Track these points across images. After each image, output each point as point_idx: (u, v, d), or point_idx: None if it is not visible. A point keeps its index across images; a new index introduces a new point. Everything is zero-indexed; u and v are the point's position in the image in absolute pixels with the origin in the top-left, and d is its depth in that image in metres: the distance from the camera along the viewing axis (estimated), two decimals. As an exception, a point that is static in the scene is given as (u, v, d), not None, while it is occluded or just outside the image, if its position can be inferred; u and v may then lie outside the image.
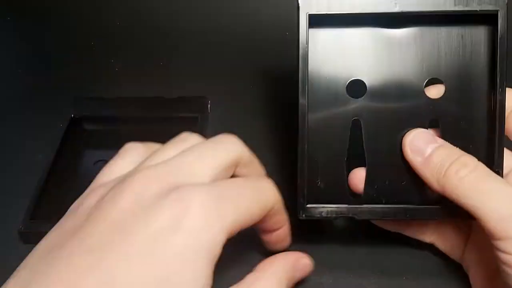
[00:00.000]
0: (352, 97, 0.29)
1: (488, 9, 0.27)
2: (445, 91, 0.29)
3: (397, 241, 0.33)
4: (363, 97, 0.29)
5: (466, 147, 0.28)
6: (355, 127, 0.29)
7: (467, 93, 0.29)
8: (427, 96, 0.29)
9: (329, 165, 0.29)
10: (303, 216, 0.29)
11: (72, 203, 0.35)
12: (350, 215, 0.29)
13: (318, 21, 0.28)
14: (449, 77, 0.29)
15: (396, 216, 0.29)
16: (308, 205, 0.29)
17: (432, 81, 0.29)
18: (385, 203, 0.29)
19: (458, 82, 0.29)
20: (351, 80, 0.29)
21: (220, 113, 0.43)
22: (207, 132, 0.40)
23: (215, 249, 0.22)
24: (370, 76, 0.29)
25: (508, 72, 0.27)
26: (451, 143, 0.28)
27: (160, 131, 0.40)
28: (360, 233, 0.34)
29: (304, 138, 0.28)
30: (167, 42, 0.52)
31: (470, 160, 0.26)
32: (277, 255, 0.28)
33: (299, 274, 0.28)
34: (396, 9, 0.28)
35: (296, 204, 0.29)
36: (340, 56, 0.29)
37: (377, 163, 0.29)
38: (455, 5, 0.27)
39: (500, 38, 0.27)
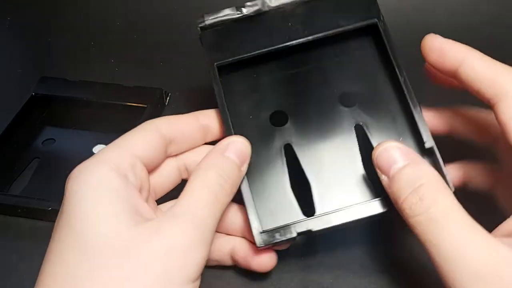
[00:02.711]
0: (277, 126, 0.31)
1: (369, 22, 0.31)
2: (356, 100, 0.31)
3: (397, 241, 0.33)
4: (287, 124, 0.31)
5: (397, 139, 0.30)
6: (289, 151, 0.31)
7: (377, 94, 0.31)
8: (344, 108, 0.31)
9: (274, 191, 0.30)
10: (261, 244, 0.28)
11: (12, 176, 0.37)
12: (306, 230, 0.29)
13: (229, 67, 0.31)
14: (357, 87, 0.32)
15: (350, 218, 0.29)
16: (262, 233, 0.28)
17: (345, 94, 0.32)
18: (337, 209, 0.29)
19: (366, 87, 0.32)
20: (273, 112, 0.31)
21: (179, 106, 0.44)
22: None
23: None
24: (288, 103, 0.31)
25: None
26: (382, 139, 0.29)
27: (109, 117, 0.41)
28: (360, 233, 0.34)
29: (244, 182, 0.29)
30: (148, 34, 0.52)
31: (427, 193, 0.24)
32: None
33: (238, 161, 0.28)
34: (291, 41, 0.31)
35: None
36: (256, 92, 0.32)
37: (320, 179, 0.30)
38: (341, 26, 0.31)
39: (386, 38, 0.31)
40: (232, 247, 0.30)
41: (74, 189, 0.25)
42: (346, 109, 0.32)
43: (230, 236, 0.31)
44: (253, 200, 0.29)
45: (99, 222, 0.23)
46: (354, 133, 0.31)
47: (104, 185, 0.25)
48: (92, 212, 0.24)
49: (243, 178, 0.29)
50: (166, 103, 0.44)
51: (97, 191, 0.24)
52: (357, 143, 0.31)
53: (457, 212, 0.24)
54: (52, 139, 0.41)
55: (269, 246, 0.29)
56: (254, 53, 0.31)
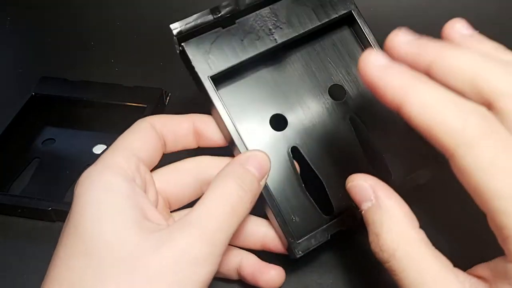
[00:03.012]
0: (279, 130, 0.31)
1: (344, 12, 0.32)
2: (345, 92, 0.32)
3: None
4: (287, 126, 0.31)
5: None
6: (296, 153, 0.31)
7: (361, 83, 0.32)
8: (336, 102, 0.32)
9: (292, 197, 0.30)
10: (299, 253, 0.28)
11: (12, 176, 0.37)
12: (337, 230, 0.29)
13: (220, 80, 0.30)
14: (344, 80, 0.32)
15: None
16: (298, 241, 0.28)
17: (333, 88, 0.32)
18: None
19: (350, 79, 0.32)
20: (271, 116, 0.31)
21: (179, 105, 0.43)
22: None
23: None
24: (285, 106, 0.31)
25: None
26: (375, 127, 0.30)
27: (109, 117, 0.41)
28: (360, 232, 0.33)
29: (269, 195, 0.29)
30: (148, 34, 0.52)
31: (389, 243, 0.24)
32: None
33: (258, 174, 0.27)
34: (274, 43, 0.30)
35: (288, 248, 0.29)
36: (249, 99, 0.31)
37: (330, 175, 0.30)
38: (319, 20, 0.31)
39: (364, 28, 0.32)
40: (239, 262, 0.30)
41: (81, 195, 0.24)
42: (337, 102, 0.32)
43: (239, 250, 0.30)
44: (281, 212, 0.28)
45: (106, 230, 0.23)
46: (351, 125, 0.32)
47: (111, 191, 0.24)
48: (99, 220, 0.23)
49: (267, 190, 0.28)
50: (166, 103, 0.44)
51: (104, 198, 0.24)
52: (355, 135, 0.31)
53: (418, 263, 0.23)
54: (52, 139, 0.41)
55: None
56: (245, 58, 0.30)
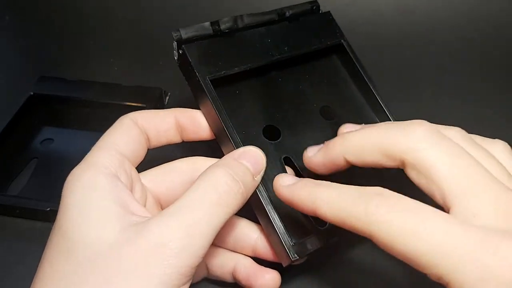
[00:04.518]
0: (271, 140, 0.31)
1: (335, 41, 0.35)
2: (335, 113, 0.34)
3: None
4: (281, 138, 0.31)
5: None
6: (289, 163, 0.31)
7: (351, 105, 0.35)
8: (327, 121, 0.33)
9: (285, 206, 0.28)
10: (295, 256, 0.27)
11: (11, 177, 0.37)
12: (334, 237, 0.29)
13: (216, 84, 0.30)
14: (333, 101, 0.34)
15: None
16: (293, 243, 0.28)
17: (324, 108, 0.34)
18: None
19: (339, 101, 0.34)
20: (264, 126, 0.31)
21: (178, 105, 0.43)
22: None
23: None
24: (277, 117, 0.32)
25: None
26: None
27: (108, 117, 0.41)
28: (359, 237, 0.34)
29: (265, 197, 0.28)
30: (148, 33, 0.52)
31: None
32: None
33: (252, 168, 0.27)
34: (270, 58, 0.32)
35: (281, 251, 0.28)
36: (243, 108, 0.31)
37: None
38: (312, 45, 0.34)
39: (352, 54, 0.35)
40: (235, 265, 0.29)
41: (66, 196, 0.25)
42: (328, 122, 0.33)
43: (234, 253, 0.30)
44: (277, 215, 0.28)
45: (88, 227, 0.23)
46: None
47: (93, 189, 0.24)
48: (81, 218, 0.23)
49: (262, 192, 0.28)
50: (166, 103, 0.44)
51: (87, 196, 0.24)
52: None
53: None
54: (51, 139, 0.41)
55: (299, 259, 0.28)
56: (242, 68, 0.31)
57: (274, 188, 0.26)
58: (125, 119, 0.29)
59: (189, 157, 0.30)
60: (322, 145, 0.27)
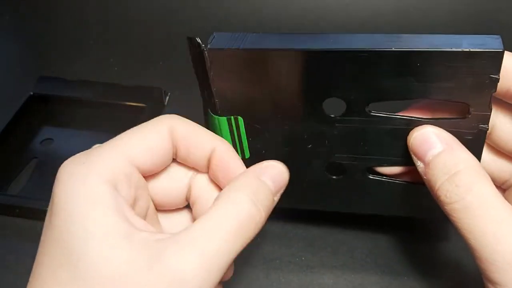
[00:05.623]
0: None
1: None
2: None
3: (398, 241, 0.33)
4: None
5: None
6: None
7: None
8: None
9: None
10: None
11: (11, 176, 0.36)
12: None
13: None
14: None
15: None
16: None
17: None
18: None
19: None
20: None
21: (178, 105, 0.43)
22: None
23: None
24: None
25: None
26: None
27: (108, 117, 0.41)
28: (361, 232, 0.34)
29: None
30: (148, 33, 0.52)
31: (463, 180, 0.23)
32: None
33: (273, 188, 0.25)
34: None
35: None
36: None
37: None
38: None
39: None
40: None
41: (63, 199, 0.22)
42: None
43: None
44: None
45: (95, 248, 0.21)
46: None
47: (97, 203, 0.22)
48: (86, 234, 0.21)
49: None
50: (166, 103, 0.44)
51: (87, 208, 0.21)
52: None
53: (493, 199, 0.22)
54: (51, 139, 0.41)
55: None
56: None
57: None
58: (161, 125, 0.25)
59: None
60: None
